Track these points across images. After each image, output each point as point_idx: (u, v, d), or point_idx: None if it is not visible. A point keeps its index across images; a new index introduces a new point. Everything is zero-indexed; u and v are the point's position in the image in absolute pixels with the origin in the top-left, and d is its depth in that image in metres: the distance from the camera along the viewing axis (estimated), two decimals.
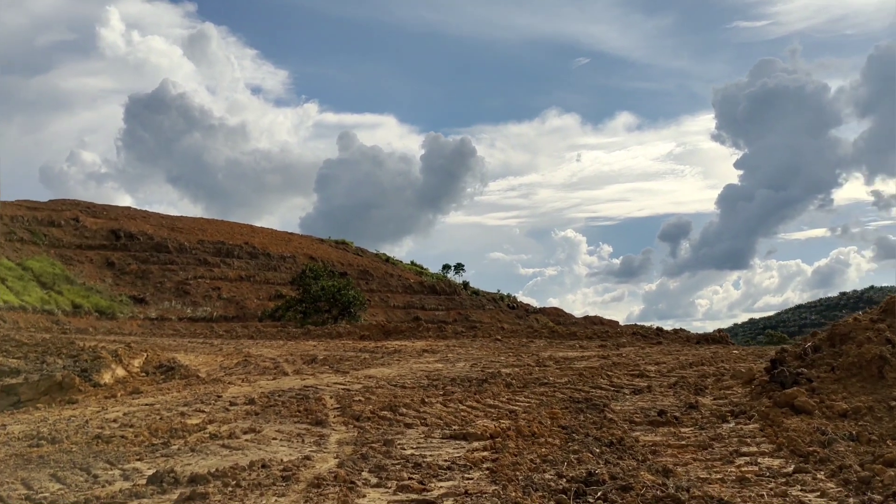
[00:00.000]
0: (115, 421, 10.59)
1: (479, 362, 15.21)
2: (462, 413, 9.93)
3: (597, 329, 26.88)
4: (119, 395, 14.30)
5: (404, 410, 10.11)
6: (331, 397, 11.40)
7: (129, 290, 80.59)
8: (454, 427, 9.08)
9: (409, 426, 9.24)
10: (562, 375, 12.62)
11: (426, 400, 10.63)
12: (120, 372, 17.46)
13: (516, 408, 10.12)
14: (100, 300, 71.49)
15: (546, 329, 25.31)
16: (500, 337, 24.10)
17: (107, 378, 16.58)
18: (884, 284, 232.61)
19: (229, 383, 14.63)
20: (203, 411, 10.95)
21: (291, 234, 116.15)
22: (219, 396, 12.37)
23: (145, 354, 20.10)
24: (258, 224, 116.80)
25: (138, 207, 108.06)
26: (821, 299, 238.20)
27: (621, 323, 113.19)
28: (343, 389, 12.26)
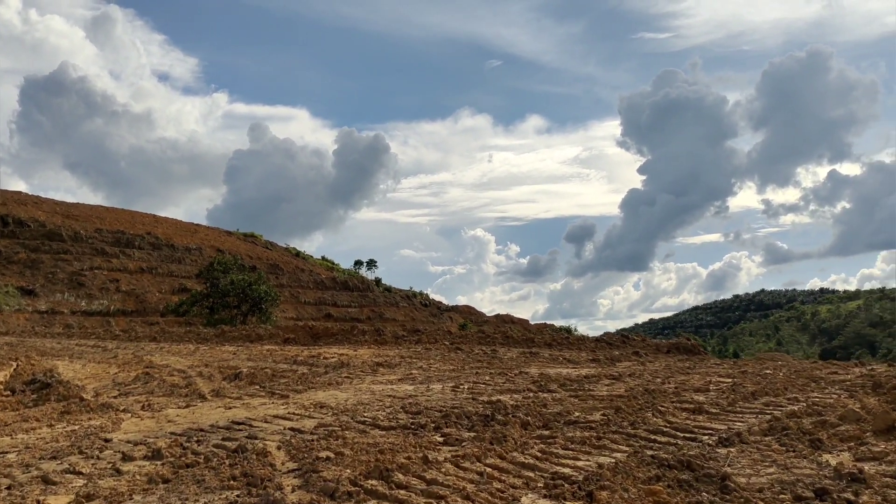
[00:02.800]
0: None
1: (459, 383, 11.55)
2: (493, 483, 6.29)
3: (554, 334, 23.64)
4: None
5: (401, 477, 6.37)
6: (278, 447, 7.52)
7: (17, 281, 72.97)
8: None
9: None
10: (588, 408, 9.13)
11: (428, 457, 6.91)
12: None
13: (566, 470, 6.57)
14: None
15: (499, 335, 21.88)
16: (449, 343, 20.49)
17: None
18: (773, 288, 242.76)
19: (124, 411, 10.50)
20: (79, 472, 6.91)
21: (198, 225, 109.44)
22: (106, 441, 8.29)
23: (14, 364, 15.53)
24: (162, 214, 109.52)
25: (31, 193, 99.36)
26: (715, 301, 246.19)
27: (530, 322, 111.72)
28: (292, 430, 8.38)
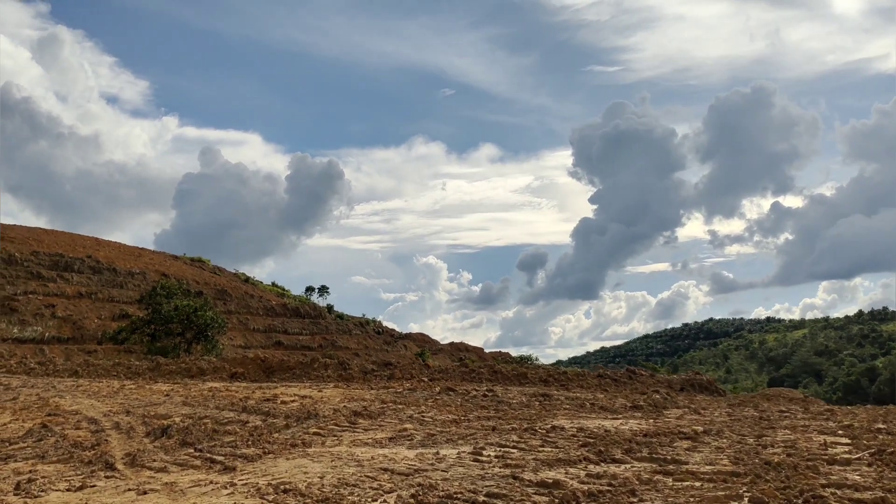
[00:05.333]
0: None
1: (478, 445, 8.13)
2: None
3: (549, 369, 20.35)
4: None
5: None
6: None
7: None
8: None
9: None
10: (704, 497, 5.83)
11: None
12: None
13: None
14: None
15: (486, 369, 18.50)
16: (428, 380, 17.02)
17: None
18: (719, 317, 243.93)
19: None
20: None
21: (142, 249, 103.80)
22: None
23: None
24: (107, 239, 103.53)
25: None
26: (665, 329, 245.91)
27: (484, 350, 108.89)
28: None
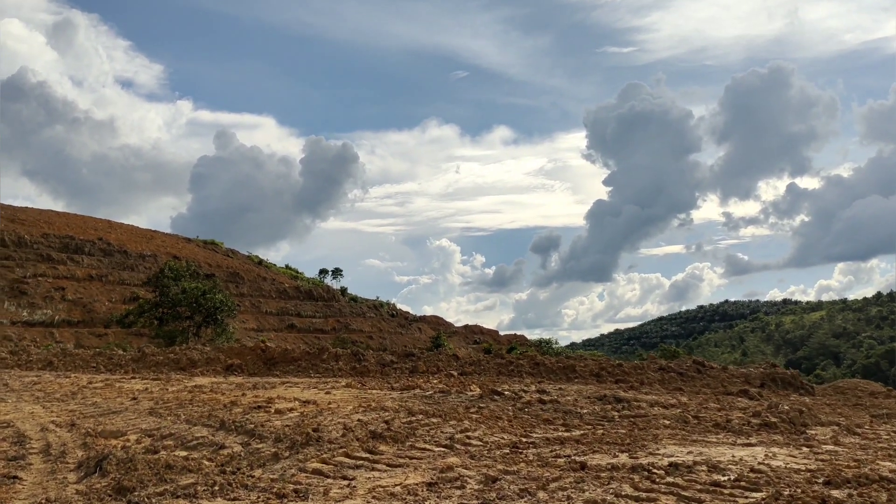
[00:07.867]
0: None
1: None
2: None
3: (600, 360, 17.13)
4: None
5: None
6: None
7: None
8: None
9: None
10: None
11: None
12: None
13: None
14: None
15: (526, 361, 15.33)
16: (458, 374, 13.86)
17: None
18: (734, 299, 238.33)
19: None
20: None
21: (154, 231, 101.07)
22: None
23: None
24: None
25: None
26: (680, 312, 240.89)
27: (499, 332, 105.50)
28: None
